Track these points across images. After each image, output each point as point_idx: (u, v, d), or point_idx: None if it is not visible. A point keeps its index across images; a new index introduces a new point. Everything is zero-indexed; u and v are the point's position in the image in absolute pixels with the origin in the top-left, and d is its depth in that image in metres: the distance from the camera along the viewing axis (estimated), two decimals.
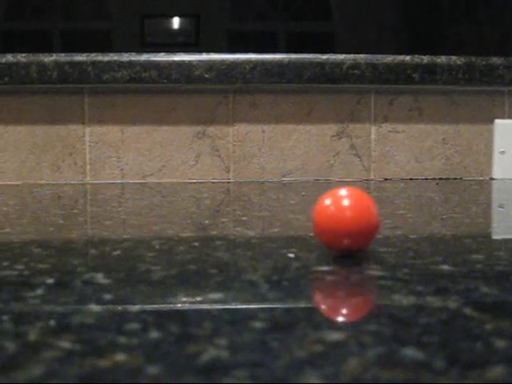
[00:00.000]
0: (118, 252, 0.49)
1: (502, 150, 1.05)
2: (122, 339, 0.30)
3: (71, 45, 4.15)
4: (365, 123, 1.04)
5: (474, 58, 1.02)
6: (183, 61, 0.97)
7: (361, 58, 0.99)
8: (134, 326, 0.32)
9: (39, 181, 1.00)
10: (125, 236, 0.57)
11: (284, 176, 1.03)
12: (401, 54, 1.02)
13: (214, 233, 0.58)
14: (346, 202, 0.46)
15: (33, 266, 0.44)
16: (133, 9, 4.23)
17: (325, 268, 0.44)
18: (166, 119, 1.01)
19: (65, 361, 0.27)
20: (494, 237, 0.59)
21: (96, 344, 0.29)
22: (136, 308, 0.35)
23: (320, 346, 0.29)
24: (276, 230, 0.60)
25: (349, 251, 0.47)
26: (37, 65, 0.95)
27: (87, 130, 1.00)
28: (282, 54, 0.99)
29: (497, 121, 1.05)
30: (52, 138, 1.00)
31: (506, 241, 0.56)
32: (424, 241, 0.54)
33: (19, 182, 0.99)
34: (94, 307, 0.35)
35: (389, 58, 1.00)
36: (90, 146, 1.00)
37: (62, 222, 0.64)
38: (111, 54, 0.97)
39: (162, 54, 0.98)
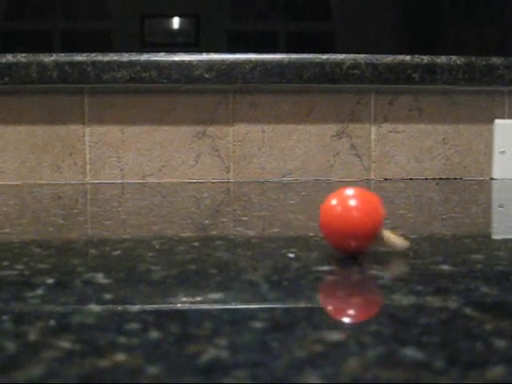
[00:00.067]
0: (118, 252, 0.49)
1: (502, 150, 1.05)
2: (122, 339, 0.30)
3: (71, 45, 4.15)
4: (365, 123, 1.04)
5: (474, 58, 1.02)
6: (183, 61, 0.97)
7: (361, 57, 0.99)
8: (133, 325, 0.32)
9: (39, 181, 1.00)
10: (125, 236, 0.57)
11: (284, 176, 1.03)
12: (401, 53, 1.02)
13: (214, 233, 0.58)
14: (356, 204, 0.46)
15: (33, 266, 0.44)
16: (133, 9, 4.23)
17: (325, 268, 0.44)
18: (166, 119, 1.01)
19: (65, 361, 0.27)
20: (494, 237, 0.59)
21: (96, 344, 0.29)
22: (136, 308, 0.35)
23: (320, 345, 0.29)
24: (276, 229, 0.60)
25: (356, 254, 0.47)
26: (37, 65, 0.95)
27: (87, 129, 1.00)
28: (282, 54, 0.99)
29: (497, 121, 1.05)
30: (52, 138, 1.00)
31: (505, 241, 0.56)
32: (424, 241, 0.54)
33: (19, 182, 0.99)
34: (94, 307, 0.35)
35: (389, 58, 1.00)
36: (90, 145, 1.00)
37: (61, 221, 0.64)
38: (111, 54, 0.97)
39: (162, 53, 0.98)
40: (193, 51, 1.09)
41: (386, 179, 1.04)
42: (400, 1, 4.24)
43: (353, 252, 0.47)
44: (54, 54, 0.96)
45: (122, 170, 1.01)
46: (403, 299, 0.36)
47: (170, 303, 0.36)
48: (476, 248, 0.51)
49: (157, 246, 0.51)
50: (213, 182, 1.00)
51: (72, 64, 0.96)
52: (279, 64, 0.98)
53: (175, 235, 0.56)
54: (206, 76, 0.97)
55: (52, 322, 0.32)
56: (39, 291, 0.38)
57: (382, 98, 1.03)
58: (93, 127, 1.00)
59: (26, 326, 0.32)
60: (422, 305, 0.35)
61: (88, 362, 0.27)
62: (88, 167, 1.00)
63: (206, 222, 0.64)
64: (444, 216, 0.68)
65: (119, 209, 0.73)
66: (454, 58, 1.01)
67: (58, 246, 0.52)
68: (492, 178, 1.06)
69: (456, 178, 1.05)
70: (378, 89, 1.03)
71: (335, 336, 0.30)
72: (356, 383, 0.25)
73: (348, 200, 0.46)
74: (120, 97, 1.00)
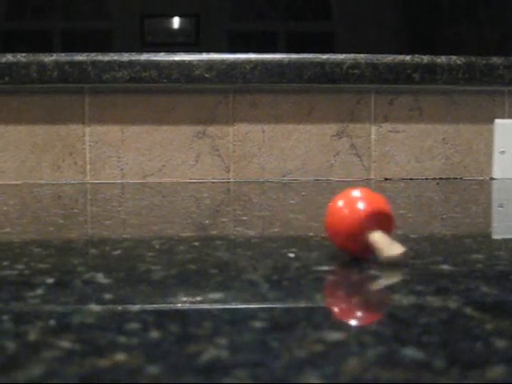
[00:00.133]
0: (118, 252, 0.49)
1: (502, 149, 1.05)
2: (122, 339, 0.30)
3: (71, 45, 4.15)
4: (365, 123, 1.04)
5: (474, 58, 1.02)
6: (183, 61, 0.97)
7: (361, 57, 0.99)
8: (134, 325, 0.32)
9: (39, 180, 1.00)
10: (125, 236, 0.57)
11: (284, 176, 1.03)
12: (401, 53, 1.02)
13: (214, 232, 0.58)
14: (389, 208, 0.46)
15: (33, 266, 0.44)
16: (133, 9, 4.23)
17: (325, 268, 0.44)
18: (166, 119, 1.01)
19: (65, 361, 0.27)
20: (494, 237, 0.59)
21: (96, 344, 0.29)
22: (136, 308, 0.35)
23: (320, 345, 0.29)
24: (276, 229, 0.60)
25: (362, 256, 0.46)
26: (37, 65, 0.95)
27: (87, 129, 1.00)
28: (282, 53, 0.99)
29: (497, 121, 1.05)
30: (52, 137, 1.00)
31: (505, 241, 0.56)
32: (424, 240, 0.54)
33: (19, 182, 0.99)
34: (94, 307, 0.35)
35: (389, 58, 1.00)
36: (90, 145, 1.00)
37: (62, 221, 0.64)
38: (111, 54, 0.97)
39: (162, 53, 0.98)
40: (193, 51, 1.09)
41: (386, 179, 1.04)
42: (400, 1, 4.24)
43: (359, 254, 0.46)
44: (54, 54, 0.96)
45: (122, 169, 1.01)
46: (403, 299, 0.36)
47: (170, 303, 0.36)
48: (476, 248, 0.51)
49: (157, 246, 0.51)
50: (213, 182, 1.00)
51: (72, 64, 0.96)
52: (279, 64, 0.98)
53: (175, 235, 0.56)
54: (206, 76, 0.97)
55: (52, 322, 0.32)
56: (39, 291, 0.38)
57: (382, 97, 1.03)
58: (93, 127, 1.00)
59: (25, 325, 0.32)
60: (422, 305, 0.35)
61: (88, 362, 0.27)
62: (88, 167, 1.00)
63: (206, 221, 0.64)
64: (444, 216, 0.68)
65: (119, 209, 0.73)
66: (454, 57, 1.01)
67: (57, 245, 0.52)
68: (492, 178, 1.06)
69: (456, 178, 1.05)
70: (378, 89, 1.03)
71: (335, 336, 0.30)
72: (356, 383, 0.25)
73: (356, 202, 0.45)
74: (120, 97, 1.00)
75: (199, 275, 0.42)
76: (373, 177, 1.04)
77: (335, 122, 1.03)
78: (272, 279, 0.41)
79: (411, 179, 1.04)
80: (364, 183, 0.99)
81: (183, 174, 1.02)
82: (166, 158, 1.01)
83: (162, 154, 1.01)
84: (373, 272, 0.43)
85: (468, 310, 0.34)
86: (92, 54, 0.96)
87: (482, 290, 0.38)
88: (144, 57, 0.97)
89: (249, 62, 0.98)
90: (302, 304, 0.36)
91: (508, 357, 0.28)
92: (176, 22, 4.35)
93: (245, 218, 0.66)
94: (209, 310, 0.34)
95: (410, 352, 0.28)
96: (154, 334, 0.30)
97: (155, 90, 1.00)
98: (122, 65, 0.96)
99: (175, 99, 1.01)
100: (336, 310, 0.36)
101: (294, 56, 0.99)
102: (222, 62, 0.97)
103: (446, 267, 0.44)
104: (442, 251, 0.50)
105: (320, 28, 4.37)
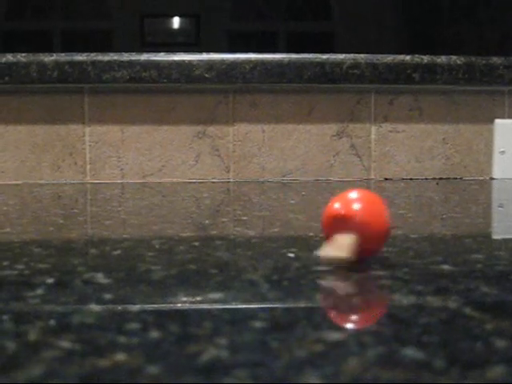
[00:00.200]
0: (118, 252, 0.49)
1: (502, 149, 1.05)
2: (122, 339, 0.30)
3: (71, 45, 4.15)
4: (365, 123, 1.04)
5: (474, 58, 1.02)
6: (183, 60, 0.97)
7: (361, 57, 0.99)
8: (134, 325, 0.32)
9: (39, 180, 1.00)
10: (125, 236, 0.57)
11: (284, 176, 1.03)
12: (401, 53, 1.02)
13: (214, 232, 0.58)
14: (374, 210, 0.45)
15: (33, 266, 0.44)
16: (133, 9, 4.23)
17: (325, 268, 0.44)
18: (166, 119, 1.01)
19: (65, 361, 0.27)
20: (494, 237, 0.59)
21: (96, 344, 0.29)
22: (136, 308, 0.35)
23: (320, 345, 0.29)
24: (276, 229, 0.60)
25: (367, 257, 0.46)
26: (37, 64, 0.95)
27: (87, 129, 1.00)
28: (282, 53, 0.99)
29: (497, 121, 1.05)
30: (52, 137, 1.00)
31: (505, 241, 0.56)
32: (424, 240, 0.54)
33: (19, 182, 0.99)
34: (94, 307, 0.35)
35: (389, 58, 1.00)
36: (90, 145, 1.00)
37: (61, 221, 0.64)
38: (111, 54, 0.97)
39: (162, 53, 0.98)
40: (193, 51, 1.09)
41: (386, 179, 1.04)
42: (400, 1, 4.24)
43: (366, 256, 0.46)
44: (54, 54, 0.96)
45: (122, 169, 1.01)
46: (403, 299, 0.36)
47: (170, 303, 0.36)
48: (476, 248, 0.51)
49: (157, 246, 0.51)
50: (213, 182, 1.00)
51: (72, 64, 0.96)
52: (279, 64, 0.98)
53: (175, 235, 0.56)
54: (206, 76, 0.97)
55: (52, 322, 0.32)
56: (39, 291, 0.38)
57: (382, 97, 1.03)
58: (93, 127, 1.00)
59: (25, 325, 0.32)
60: (422, 305, 0.35)
61: (88, 362, 0.27)
62: (88, 167, 1.00)
63: (206, 221, 0.64)
64: (444, 216, 0.68)
65: (119, 209, 0.73)
66: (454, 57, 1.01)
67: (57, 245, 0.52)
68: (492, 178, 1.06)
69: (456, 178, 1.05)
70: (378, 89, 1.03)
71: (335, 336, 0.30)
72: (356, 383, 0.25)
73: (352, 204, 0.45)
74: (120, 97, 1.00)
75: (199, 275, 0.42)
76: (373, 177, 1.04)
77: (335, 121, 1.03)
78: (272, 279, 0.41)
79: (411, 179, 1.04)
80: (364, 183, 1.00)
81: (183, 174, 1.02)
82: (166, 158, 1.01)
83: (162, 154, 1.01)
84: (373, 272, 0.43)
85: (468, 310, 0.34)
86: (92, 54, 0.96)
87: (482, 289, 0.38)
88: (144, 57, 0.97)
89: (249, 61, 0.98)
90: (301, 304, 0.36)
91: (508, 357, 0.28)
92: (176, 22, 4.35)
93: (245, 217, 0.66)
94: (209, 310, 0.34)
95: (410, 352, 0.28)
96: (154, 334, 0.30)
97: (155, 90, 1.00)
98: (121, 65, 0.96)
99: (175, 99, 1.01)
100: (336, 309, 0.36)
101: (294, 56, 0.99)
102: (222, 61, 0.97)
103: (446, 267, 0.44)
104: (442, 251, 0.50)
105: (320, 28, 4.37)
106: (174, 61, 0.97)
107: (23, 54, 0.96)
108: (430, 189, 0.92)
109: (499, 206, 0.79)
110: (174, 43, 4.25)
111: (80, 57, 0.96)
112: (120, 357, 0.28)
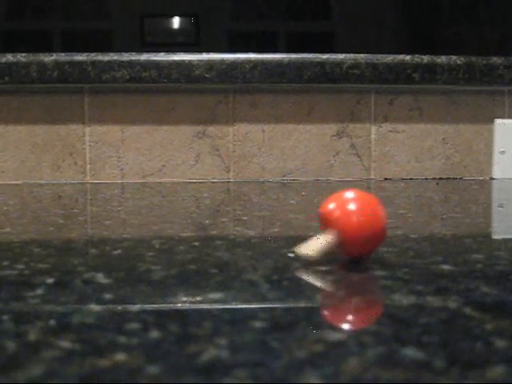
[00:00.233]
0: (118, 251, 0.49)
1: (502, 149, 1.05)
2: (122, 339, 0.30)
3: (71, 45, 4.14)
4: (365, 123, 1.04)
5: (474, 58, 1.02)
6: (183, 60, 0.97)
7: (361, 57, 0.99)
8: (134, 325, 0.32)
9: (39, 180, 1.00)
10: (125, 235, 0.57)
11: (284, 176, 1.03)
12: (401, 53, 1.02)
13: (214, 232, 0.58)
14: (357, 210, 0.45)
15: (33, 266, 0.44)
16: (133, 9, 4.22)
17: (325, 268, 0.44)
18: (166, 119, 1.01)
19: (65, 361, 0.27)
20: (494, 237, 0.59)
21: (96, 344, 0.29)
22: (136, 308, 0.35)
23: (320, 345, 0.29)
24: (276, 229, 0.60)
25: (357, 258, 0.46)
26: (37, 64, 0.95)
27: (87, 129, 1.00)
28: (282, 53, 0.99)
29: (497, 120, 1.05)
30: (52, 137, 1.00)
31: (505, 241, 0.56)
32: (424, 240, 0.54)
33: (19, 182, 0.99)
34: (94, 307, 0.35)
35: (389, 58, 1.00)
36: (90, 145, 1.00)
37: (61, 221, 0.64)
38: (111, 54, 0.97)
39: (162, 53, 0.98)
40: (193, 51, 1.09)
41: (385, 179, 1.04)
42: (400, 1, 4.24)
43: (355, 256, 0.46)
44: (54, 54, 0.96)
45: (122, 169, 1.01)
46: (403, 299, 0.36)
47: (170, 303, 0.36)
48: (476, 248, 0.51)
49: (157, 246, 0.51)
50: (213, 182, 1.00)
51: (72, 64, 0.96)
52: (279, 64, 0.98)
53: (175, 235, 0.56)
54: (206, 76, 0.97)
55: (52, 322, 0.32)
56: (39, 291, 0.38)
57: (382, 97, 1.03)
58: (93, 127, 1.00)
59: (25, 325, 0.32)
60: (422, 305, 0.35)
61: (88, 362, 0.27)
62: (88, 167, 1.00)
63: (206, 221, 0.64)
64: (444, 216, 0.68)
65: (119, 208, 0.73)
66: (454, 57, 1.01)
67: (57, 245, 0.52)
68: (492, 178, 1.05)
69: (456, 178, 1.05)
70: (378, 89, 1.03)
71: (335, 336, 0.30)
72: (356, 383, 0.25)
73: (347, 204, 0.45)
74: (120, 96, 1.00)
75: (199, 275, 0.42)
76: (373, 177, 1.04)
77: (335, 121, 1.03)
78: (272, 279, 0.41)
79: (411, 179, 1.04)
80: (364, 183, 0.99)
81: (183, 174, 1.02)
82: (166, 157, 1.01)
83: (162, 154, 1.01)
84: (373, 272, 0.43)
85: (468, 310, 0.34)
86: (92, 54, 0.96)
87: (482, 289, 0.38)
88: (144, 57, 0.97)
89: (249, 61, 0.98)
90: (301, 304, 0.36)
91: (508, 357, 0.28)
92: (176, 22, 4.35)
93: (245, 217, 0.66)
94: (209, 310, 0.34)
95: (410, 352, 0.28)
96: (154, 334, 0.30)
97: (155, 90, 1.00)
98: (121, 65, 0.96)
99: (175, 99, 1.01)
100: (336, 309, 0.36)
101: (293, 56, 0.99)
102: (222, 61, 0.97)
103: (446, 267, 0.44)
104: (442, 251, 0.50)
105: (320, 28, 4.37)
106: (174, 61, 0.97)
107: (23, 54, 0.96)
108: (429, 189, 0.92)
109: (499, 206, 0.79)
110: (173, 43, 4.24)
111: (80, 57, 0.96)
112: (120, 357, 0.28)
